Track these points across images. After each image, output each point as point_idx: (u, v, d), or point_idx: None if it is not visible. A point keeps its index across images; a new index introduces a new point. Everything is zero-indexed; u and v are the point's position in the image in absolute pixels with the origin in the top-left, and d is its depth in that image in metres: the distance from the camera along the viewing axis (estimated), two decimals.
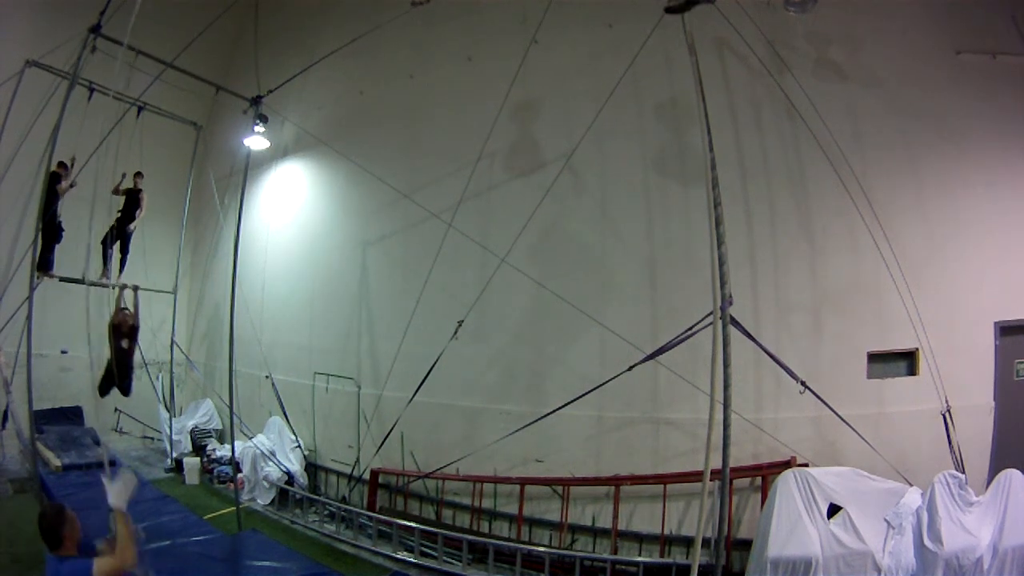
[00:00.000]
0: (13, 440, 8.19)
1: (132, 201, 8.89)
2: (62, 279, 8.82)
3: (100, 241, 8.84)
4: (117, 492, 3.10)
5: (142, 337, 9.91)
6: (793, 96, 5.81)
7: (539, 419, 6.01)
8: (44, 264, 7.75)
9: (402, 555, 6.45)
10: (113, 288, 9.42)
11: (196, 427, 10.20)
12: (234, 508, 7.08)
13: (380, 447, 7.18)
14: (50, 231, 7.81)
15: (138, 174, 8.79)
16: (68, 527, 2.99)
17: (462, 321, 6.45)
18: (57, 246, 8.44)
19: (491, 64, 7.16)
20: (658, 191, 6.40)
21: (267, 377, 9.19)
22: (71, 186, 7.80)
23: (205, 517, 6.92)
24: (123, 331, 6.95)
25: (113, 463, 8.37)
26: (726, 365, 4.37)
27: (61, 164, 7.64)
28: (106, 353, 6.84)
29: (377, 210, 8.20)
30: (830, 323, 5.91)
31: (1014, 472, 4.98)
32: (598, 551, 6.13)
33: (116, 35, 6.75)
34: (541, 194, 6.32)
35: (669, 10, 4.38)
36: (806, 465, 5.41)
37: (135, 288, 7.96)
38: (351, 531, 7.06)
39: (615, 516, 6.05)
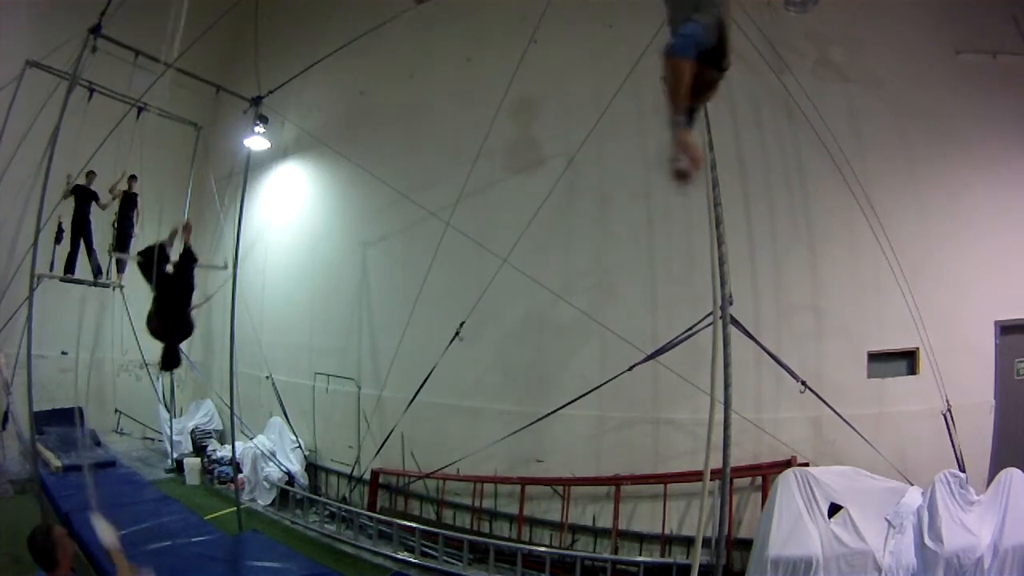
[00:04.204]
0: (13, 441, 8.20)
1: (127, 203, 8.91)
2: (62, 279, 8.84)
3: (108, 251, 8.90)
4: (105, 532, 3.21)
5: (141, 337, 9.96)
6: (793, 96, 5.81)
7: (539, 419, 6.01)
8: (70, 268, 8.47)
9: (403, 555, 6.45)
10: (114, 289, 9.47)
11: (196, 428, 10.19)
12: (235, 508, 7.08)
13: (381, 447, 7.18)
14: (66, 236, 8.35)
15: (132, 177, 8.81)
16: (60, 548, 3.01)
17: (463, 323, 6.45)
18: (57, 246, 8.47)
19: (491, 64, 7.15)
20: (658, 191, 6.40)
21: (267, 377, 9.19)
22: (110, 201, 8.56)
23: (206, 518, 6.91)
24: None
25: (113, 464, 8.43)
26: (726, 365, 4.38)
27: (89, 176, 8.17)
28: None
29: (377, 210, 8.19)
30: (830, 323, 5.91)
31: (1014, 471, 4.99)
32: (599, 551, 6.13)
33: (116, 36, 6.76)
34: (541, 194, 6.32)
35: None
36: (807, 465, 5.42)
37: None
38: (352, 531, 7.05)
39: (615, 516, 6.05)
